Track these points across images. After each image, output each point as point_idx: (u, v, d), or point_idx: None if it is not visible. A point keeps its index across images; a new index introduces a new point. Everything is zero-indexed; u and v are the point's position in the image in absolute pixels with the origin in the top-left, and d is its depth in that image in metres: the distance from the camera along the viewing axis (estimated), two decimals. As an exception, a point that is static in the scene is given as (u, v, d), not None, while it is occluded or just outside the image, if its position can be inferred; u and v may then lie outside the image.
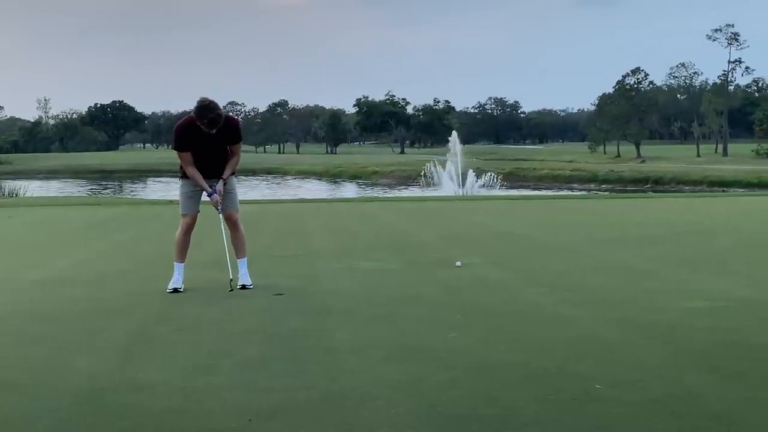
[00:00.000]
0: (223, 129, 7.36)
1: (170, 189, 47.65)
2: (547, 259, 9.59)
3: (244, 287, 7.51)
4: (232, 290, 7.35)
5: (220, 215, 7.70)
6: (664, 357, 5.02)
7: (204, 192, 7.58)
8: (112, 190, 56.94)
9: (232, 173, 7.73)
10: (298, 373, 4.72)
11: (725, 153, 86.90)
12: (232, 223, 7.76)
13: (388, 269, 8.84)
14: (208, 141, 7.34)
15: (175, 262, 7.67)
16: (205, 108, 7.21)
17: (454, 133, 50.08)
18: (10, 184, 45.86)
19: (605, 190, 49.14)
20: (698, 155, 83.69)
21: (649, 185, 51.98)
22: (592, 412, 4.03)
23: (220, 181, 7.52)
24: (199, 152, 7.47)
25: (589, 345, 5.31)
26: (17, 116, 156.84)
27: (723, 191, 40.96)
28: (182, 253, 7.70)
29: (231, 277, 7.48)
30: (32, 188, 43.90)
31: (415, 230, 13.42)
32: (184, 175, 7.67)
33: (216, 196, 7.51)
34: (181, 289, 7.51)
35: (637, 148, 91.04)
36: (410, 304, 6.79)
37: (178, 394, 4.34)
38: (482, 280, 7.99)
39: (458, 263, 8.97)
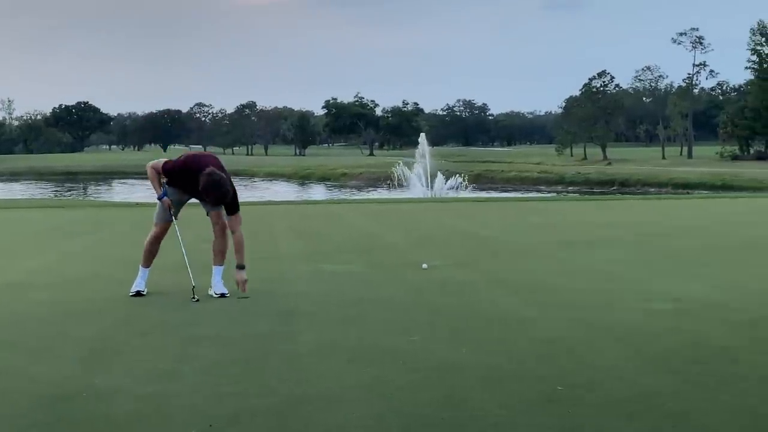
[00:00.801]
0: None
1: (135, 191, 47.23)
2: (513, 260, 9.66)
3: (222, 296, 7.29)
4: (197, 300, 7.13)
5: (175, 222, 7.58)
6: (625, 358, 5.08)
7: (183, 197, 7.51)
8: (76, 192, 56.21)
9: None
10: (261, 377, 4.70)
11: (690, 155, 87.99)
12: (219, 228, 7.51)
13: (355, 271, 8.85)
14: (196, 193, 7.28)
15: (140, 266, 7.62)
16: (215, 185, 7.02)
17: (423, 135, 50.09)
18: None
19: (572, 192, 49.53)
20: (663, 157, 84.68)
21: (615, 187, 52.44)
22: (553, 413, 4.07)
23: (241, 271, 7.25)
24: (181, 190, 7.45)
25: (551, 346, 5.36)
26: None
27: (688, 193, 41.48)
28: (149, 258, 7.65)
29: (194, 285, 7.32)
30: (-5, 191, 43.34)
31: (382, 232, 13.44)
32: (168, 183, 7.48)
33: (167, 199, 7.46)
34: (144, 292, 7.45)
35: (603, 151, 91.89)
36: (376, 306, 6.80)
37: (139, 401, 4.30)
38: (448, 282, 8.02)
39: (424, 265, 9.00)
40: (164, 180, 7.48)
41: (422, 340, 5.56)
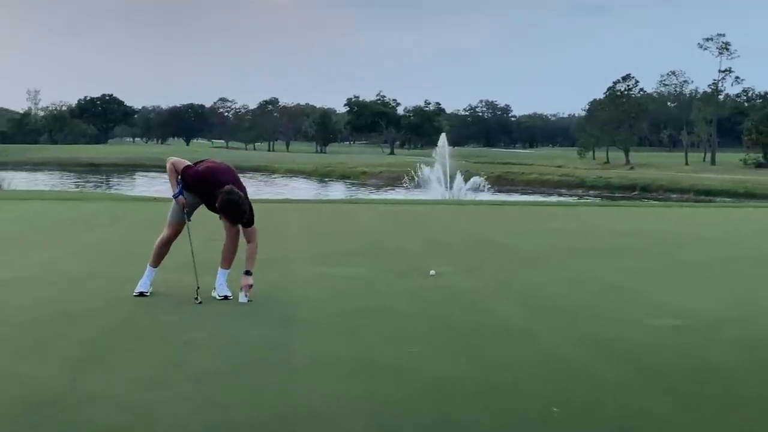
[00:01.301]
0: None
1: (155, 184, 47.42)
2: (522, 268, 9.54)
3: (225, 298, 7.28)
4: (200, 302, 7.09)
5: (188, 223, 7.52)
6: (623, 378, 4.96)
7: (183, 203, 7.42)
8: (95, 184, 56.54)
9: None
10: (250, 388, 4.62)
11: (713, 162, 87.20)
12: (245, 233, 7.41)
13: (361, 276, 8.76)
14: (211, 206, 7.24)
15: (148, 265, 7.58)
16: (233, 205, 7.00)
17: (443, 135, 49.91)
18: (-5, 176, 45.56)
19: (593, 196, 49.21)
20: (687, 163, 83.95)
21: (636, 192, 52.03)
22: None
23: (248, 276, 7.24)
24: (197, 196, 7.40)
25: (548, 362, 5.25)
26: (6, 107, 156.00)
27: (710, 200, 41.06)
28: (158, 258, 7.61)
29: (198, 286, 7.28)
30: (18, 180, 43.65)
31: (394, 235, 13.35)
32: (184, 187, 7.39)
33: (182, 198, 7.41)
34: (147, 294, 7.41)
35: (626, 155, 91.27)
36: (376, 315, 6.71)
37: (124, 410, 4.24)
38: (454, 291, 7.91)
39: (432, 272, 8.90)
40: (180, 180, 7.42)
41: (420, 353, 5.46)
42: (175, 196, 7.44)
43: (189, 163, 7.57)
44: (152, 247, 7.69)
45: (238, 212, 7.08)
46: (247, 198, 7.24)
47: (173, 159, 7.56)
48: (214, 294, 7.38)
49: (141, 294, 7.37)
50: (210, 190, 7.15)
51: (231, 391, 4.56)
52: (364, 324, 6.35)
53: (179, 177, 7.40)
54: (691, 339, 5.97)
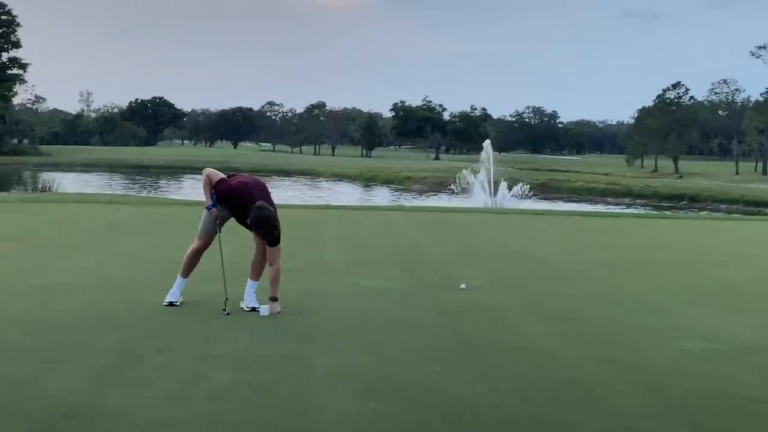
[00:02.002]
0: None
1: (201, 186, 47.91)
2: (554, 284, 9.43)
3: (254, 309, 7.29)
4: (228, 314, 7.14)
5: (219, 234, 7.57)
6: (645, 405, 4.86)
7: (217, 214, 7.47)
8: (142, 186, 57.34)
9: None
10: (267, 405, 4.64)
11: (765, 172, 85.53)
12: (269, 253, 7.37)
13: (391, 289, 8.74)
14: (245, 222, 7.29)
15: (179, 275, 7.65)
16: (265, 221, 7.07)
17: (487, 141, 49.59)
18: (46, 176, 46.56)
19: (640, 206, 48.51)
20: (737, 173, 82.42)
21: (684, 202, 51.16)
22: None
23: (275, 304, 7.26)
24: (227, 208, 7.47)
25: (570, 389, 5.17)
26: (60, 108, 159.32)
27: (759, 212, 40.21)
28: (188, 269, 7.68)
29: (227, 297, 7.33)
30: (67, 180, 44.52)
31: (430, 245, 13.30)
32: (217, 199, 7.43)
33: (215, 210, 7.47)
34: (177, 303, 7.49)
35: (675, 164, 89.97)
36: (402, 330, 6.69)
37: (141, 427, 4.28)
38: (481, 307, 7.86)
39: (463, 286, 8.85)
40: (214, 193, 7.46)
41: (441, 373, 5.43)
42: (209, 208, 7.51)
43: (223, 176, 7.63)
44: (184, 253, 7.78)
45: (269, 228, 7.13)
46: (276, 213, 7.28)
47: (208, 170, 7.65)
48: (242, 305, 7.43)
49: (171, 304, 7.45)
50: (241, 204, 7.23)
51: (248, 408, 4.59)
52: (387, 339, 6.34)
53: (212, 189, 7.47)
54: (719, 366, 5.83)
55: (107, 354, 5.71)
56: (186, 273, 7.68)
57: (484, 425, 4.45)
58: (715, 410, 4.81)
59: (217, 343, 6.10)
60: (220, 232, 7.60)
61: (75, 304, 7.44)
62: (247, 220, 7.15)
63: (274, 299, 7.31)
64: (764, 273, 11.04)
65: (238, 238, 9.09)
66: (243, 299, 7.48)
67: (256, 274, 7.57)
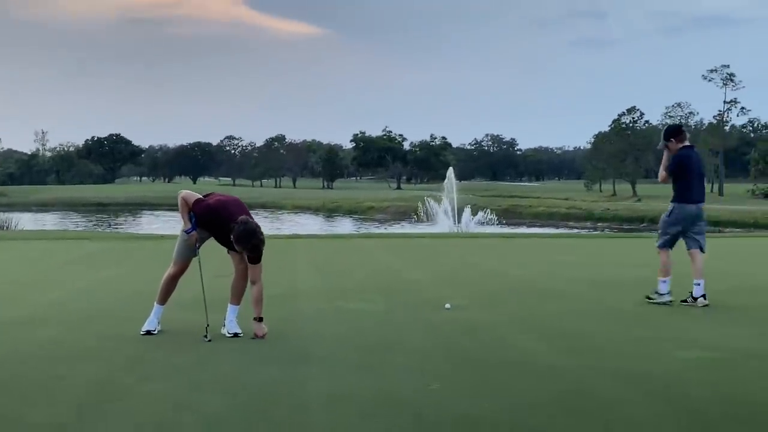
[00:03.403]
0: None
1: (162, 222, 47.33)
2: (539, 301, 9.28)
3: (236, 335, 7.04)
4: (209, 340, 6.86)
5: (198, 256, 7.29)
6: (653, 414, 4.70)
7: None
8: (105, 223, 56.46)
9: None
10: (268, 430, 4.38)
11: (721, 193, 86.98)
12: (250, 271, 7.10)
13: (376, 311, 8.52)
14: (227, 240, 7.03)
15: (155, 303, 7.37)
16: (251, 233, 6.79)
17: (450, 169, 49.92)
18: (2, 216, 45.55)
19: (601, 229, 48.90)
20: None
21: (645, 224, 51.71)
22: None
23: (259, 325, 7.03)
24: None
25: (576, 401, 4.98)
26: (14, 148, 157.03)
27: (719, 231, 40.71)
28: (165, 295, 7.39)
29: (208, 324, 7.04)
30: (24, 221, 43.57)
31: (406, 269, 13.10)
32: (196, 221, 7.16)
33: (195, 234, 7.21)
34: (155, 332, 7.19)
35: (633, 187, 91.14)
36: (394, 350, 6.47)
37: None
38: (471, 325, 7.67)
39: (447, 306, 8.67)
40: (193, 215, 7.19)
41: (441, 389, 5.21)
42: (188, 232, 7.21)
43: (200, 196, 7.38)
44: (158, 286, 7.48)
45: (255, 241, 6.84)
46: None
47: (184, 193, 7.35)
48: (224, 331, 7.15)
49: (148, 332, 7.16)
50: (222, 222, 6.97)
51: (244, 434, 4.32)
52: (381, 359, 6.11)
53: (190, 211, 7.21)
54: (724, 372, 5.71)
55: (87, 384, 5.41)
56: (163, 300, 7.40)
57: (495, 439, 4.25)
58: (727, 415, 4.66)
59: (203, 371, 5.81)
60: (197, 255, 7.32)
61: (48, 336, 7.11)
62: (231, 237, 6.87)
63: (259, 319, 7.04)
64: (743, 286, 11.01)
65: (211, 266, 8.83)
66: (224, 325, 7.20)
67: (237, 299, 7.30)
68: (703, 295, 8.95)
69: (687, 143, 9.23)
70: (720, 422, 4.52)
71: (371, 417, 4.62)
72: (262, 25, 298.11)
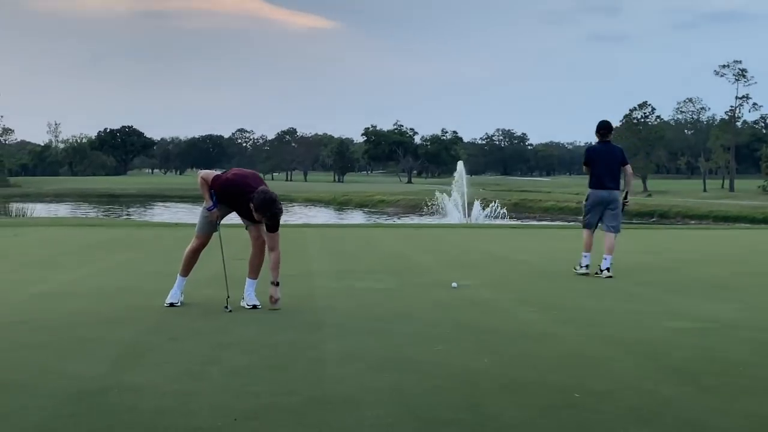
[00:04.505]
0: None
1: (174, 213, 47.85)
2: (542, 282, 9.72)
3: (254, 307, 7.48)
4: (230, 311, 7.32)
5: (218, 232, 7.74)
6: (643, 370, 5.14)
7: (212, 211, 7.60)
8: (116, 214, 57.07)
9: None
10: (284, 380, 4.84)
11: (732, 189, 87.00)
12: (259, 244, 7.62)
13: (385, 289, 8.96)
14: (246, 212, 7.39)
15: (178, 275, 7.79)
16: (271, 202, 7.15)
17: (460, 163, 50.15)
18: (17, 206, 46.16)
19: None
20: (705, 190, 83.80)
21: (654, 219, 51.93)
22: (571, 417, 4.15)
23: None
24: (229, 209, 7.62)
25: (572, 359, 5.43)
26: (27, 140, 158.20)
27: (728, 226, 40.92)
28: (188, 268, 7.82)
29: (228, 295, 7.49)
30: (39, 210, 44.20)
31: (415, 254, 13.54)
32: (217, 199, 7.56)
33: (216, 211, 7.62)
34: (178, 304, 7.64)
35: (644, 182, 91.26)
36: (402, 320, 6.91)
37: (166, 396, 4.46)
38: (475, 300, 8.11)
39: (454, 284, 9.10)
40: (213, 192, 7.53)
41: (445, 351, 5.66)
42: (210, 209, 7.62)
43: (217, 172, 7.83)
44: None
45: (276, 207, 7.20)
46: None
47: (202, 172, 7.79)
48: (243, 303, 7.60)
49: (171, 305, 7.59)
50: (241, 194, 7.36)
51: (266, 382, 4.78)
52: (391, 327, 6.56)
53: (210, 189, 7.59)
54: (709, 338, 6.15)
55: (121, 344, 5.87)
56: (185, 272, 7.83)
57: (496, 388, 4.69)
58: (709, 372, 5.09)
59: (227, 334, 6.27)
60: (218, 230, 7.77)
61: (77, 307, 7.57)
62: (251, 206, 7.22)
63: (275, 284, 7.49)
64: (744, 268, 11.41)
65: (229, 250, 9.27)
66: (243, 298, 7.65)
67: (255, 274, 7.74)
68: (608, 268, 10.23)
69: (607, 139, 10.71)
70: (701, 376, 4.95)
71: (380, 371, 5.06)
72: (275, 17, 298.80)
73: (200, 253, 7.88)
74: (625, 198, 10.73)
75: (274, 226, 7.46)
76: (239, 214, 7.68)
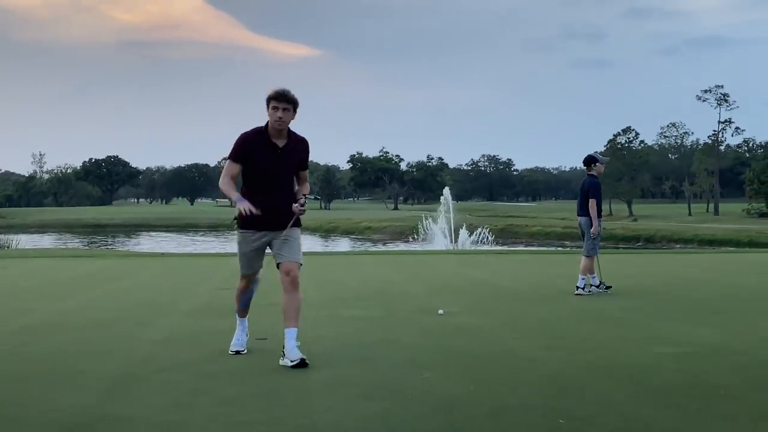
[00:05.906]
0: (292, 148, 6.35)
1: (159, 243, 47.77)
2: (527, 307, 9.82)
3: (303, 361, 6.11)
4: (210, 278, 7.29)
5: (278, 267, 6.45)
6: (625, 395, 5.22)
7: (262, 239, 6.48)
8: (103, 244, 56.89)
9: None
10: (273, 409, 4.89)
11: (716, 212, 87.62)
12: (290, 280, 6.36)
13: (371, 317, 9.03)
14: (273, 159, 6.28)
15: (237, 317, 6.93)
16: (284, 92, 6.24)
17: (446, 189, 50.38)
18: (1, 238, 45.97)
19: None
20: (690, 214, 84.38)
21: (640, 243, 52.26)
22: (552, 444, 4.22)
23: (302, 197, 6.45)
24: (259, 172, 6.33)
25: (556, 384, 5.51)
26: (12, 170, 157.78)
27: (714, 249, 41.24)
28: (243, 308, 6.88)
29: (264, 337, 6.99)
30: (24, 242, 43.99)
31: (401, 281, 13.62)
32: (242, 224, 6.44)
33: (247, 202, 6.22)
34: (244, 352, 6.73)
35: (629, 207, 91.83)
36: (389, 347, 6.98)
37: (155, 427, 4.51)
38: (462, 327, 8.19)
39: (441, 311, 9.18)
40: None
41: (432, 378, 5.73)
42: (240, 200, 6.29)
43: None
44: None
45: (290, 95, 6.35)
46: None
47: (221, 178, 6.58)
48: (284, 361, 6.22)
49: (237, 353, 6.70)
50: (255, 131, 6.43)
51: (256, 411, 4.83)
52: (377, 355, 6.63)
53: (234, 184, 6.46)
54: (692, 363, 6.23)
55: (109, 376, 5.91)
56: (243, 311, 6.92)
57: (481, 413, 4.76)
58: (693, 396, 5.18)
59: (215, 364, 6.33)
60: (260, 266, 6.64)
61: (67, 338, 7.61)
62: (275, 104, 6.31)
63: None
64: (728, 293, 11.54)
65: (214, 280, 9.36)
66: (283, 354, 6.26)
67: (295, 319, 6.37)
68: (579, 287, 11.35)
69: (589, 171, 11.86)
70: (684, 401, 5.03)
71: (367, 399, 5.13)
72: (260, 47, 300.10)
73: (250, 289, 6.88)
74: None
75: (302, 159, 6.47)
76: (260, 163, 6.36)
